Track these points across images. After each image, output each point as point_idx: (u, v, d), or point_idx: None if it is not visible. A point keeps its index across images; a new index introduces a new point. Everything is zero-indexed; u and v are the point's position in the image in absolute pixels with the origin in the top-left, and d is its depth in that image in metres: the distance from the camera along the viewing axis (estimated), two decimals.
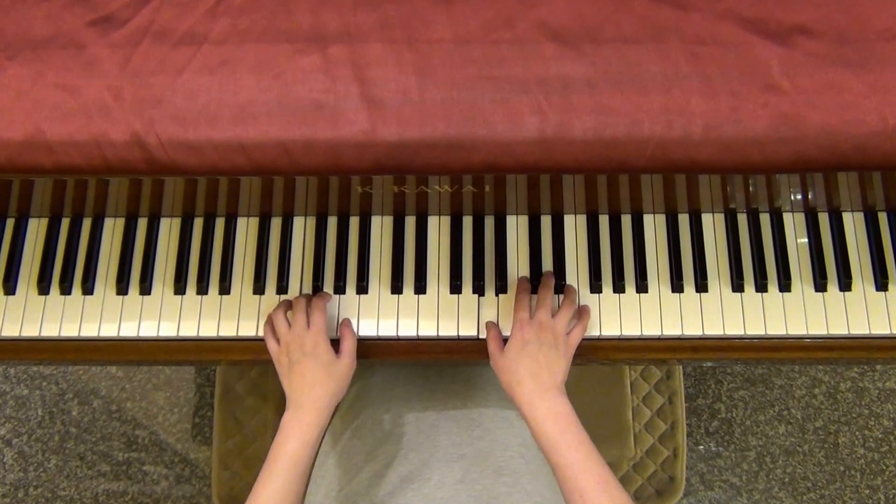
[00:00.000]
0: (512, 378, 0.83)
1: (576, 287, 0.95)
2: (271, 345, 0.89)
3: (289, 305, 0.91)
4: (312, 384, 0.85)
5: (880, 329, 0.92)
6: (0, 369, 1.82)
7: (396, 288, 0.95)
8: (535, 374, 0.82)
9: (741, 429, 1.76)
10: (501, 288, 0.95)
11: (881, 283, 0.93)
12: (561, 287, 0.95)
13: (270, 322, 0.91)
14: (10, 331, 0.95)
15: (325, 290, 0.96)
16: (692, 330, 0.93)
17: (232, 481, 1.27)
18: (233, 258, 0.97)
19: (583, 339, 0.91)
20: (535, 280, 0.95)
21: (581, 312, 0.92)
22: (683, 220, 0.97)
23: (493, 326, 0.92)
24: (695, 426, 1.77)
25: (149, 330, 0.95)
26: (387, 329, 0.94)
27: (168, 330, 0.95)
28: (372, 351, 0.95)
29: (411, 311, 0.95)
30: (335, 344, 0.89)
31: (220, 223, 0.99)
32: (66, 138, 0.83)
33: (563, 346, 0.86)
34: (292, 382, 0.85)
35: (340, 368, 0.87)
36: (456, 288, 0.95)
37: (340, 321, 0.94)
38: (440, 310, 0.95)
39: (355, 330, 0.94)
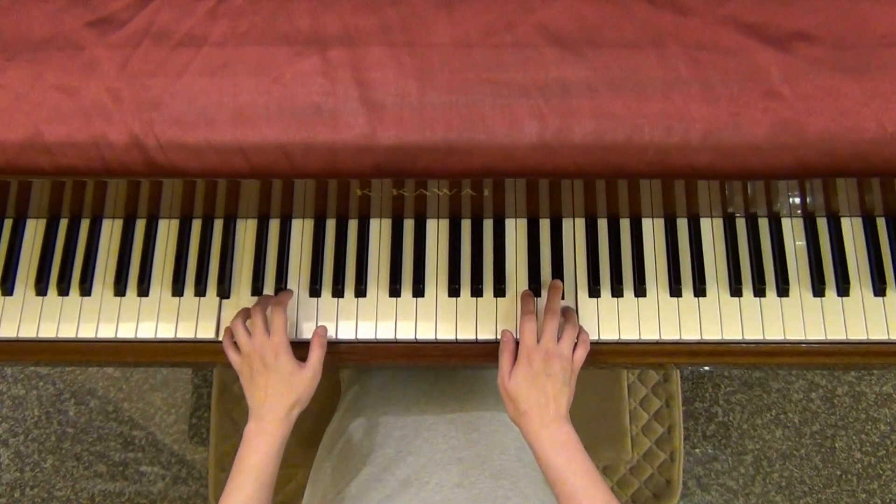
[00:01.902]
0: (518, 407, 0.82)
1: (573, 295, 0.95)
2: (232, 355, 0.88)
3: (248, 314, 0.89)
4: (273, 396, 0.84)
5: (878, 334, 0.92)
6: None
7: (395, 291, 0.95)
8: (542, 405, 0.81)
9: (738, 432, 1.77)
10: (500, 291, 0.95)
11: (879, 289, 0.93)
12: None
13: (230, 331, 0.89)
14: (8, 331, 0.95)
15: (323, 292, 0.95)
16: (690, 334, 0.93)
17: None
18: (231, 260, 0.97)
19: None
20: (531, 284, 0.95)
21: (581, 333, 0.90)
22: (682, 225, 0.97)
23: (511, 340, 0.87)
24: (692, 430, 1.77)
25: (146, 331, 0.95)
26: (385, 332, 0.94)
27: (166, 331, 0.95)
28: (370, 354, 0.95)
29: (409, 314, 0.95)
30: (300, 348, 0.88)
31: (218, 225, 0.98)
32: (65, 140, 0.83)
33: (568, 373, 0.84)
34: (254, 394, 0.85)
35: (303, 379, 0.86)
36: (454, 291, 0.95)
37: (316, 328, 0.91)
38: (438, 313, 0.95)
39: (354, 332, 0.94)
